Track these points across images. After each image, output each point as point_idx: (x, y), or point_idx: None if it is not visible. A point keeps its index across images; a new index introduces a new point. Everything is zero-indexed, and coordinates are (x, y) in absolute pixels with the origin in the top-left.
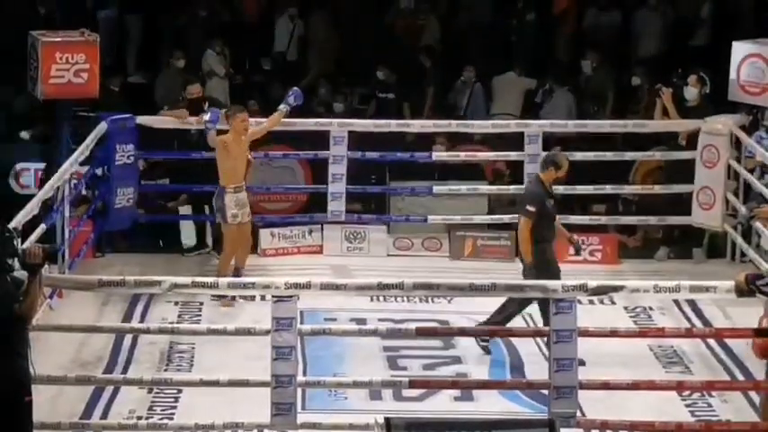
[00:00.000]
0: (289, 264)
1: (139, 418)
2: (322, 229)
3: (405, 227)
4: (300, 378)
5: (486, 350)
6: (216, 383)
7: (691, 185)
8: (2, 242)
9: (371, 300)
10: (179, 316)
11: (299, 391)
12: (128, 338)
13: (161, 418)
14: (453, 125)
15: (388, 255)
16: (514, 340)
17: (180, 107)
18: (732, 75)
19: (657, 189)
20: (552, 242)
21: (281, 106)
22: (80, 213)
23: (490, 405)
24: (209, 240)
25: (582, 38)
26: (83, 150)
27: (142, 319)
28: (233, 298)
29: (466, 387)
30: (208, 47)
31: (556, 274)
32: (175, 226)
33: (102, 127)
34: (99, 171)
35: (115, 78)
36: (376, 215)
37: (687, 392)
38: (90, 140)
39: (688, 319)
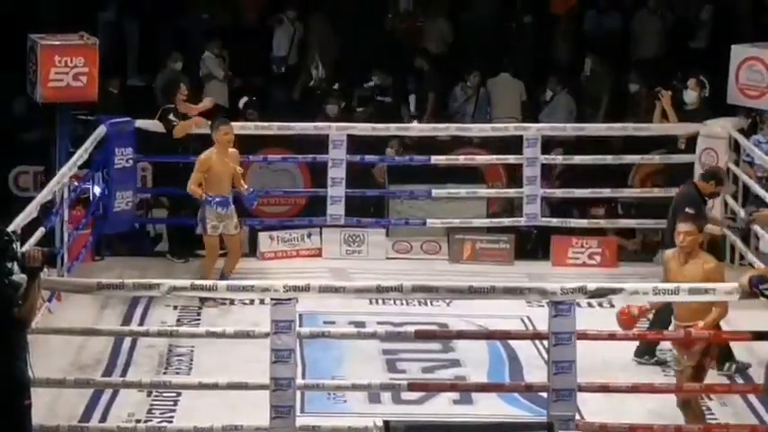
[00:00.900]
0: (288, 267)
1: (138, 421)
2: (321, 232)
3: (404, 230)
4: (299, 381)
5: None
6: (215, 386)
7: None
8: (1, 246)
9: (370, 303)
10: (178, 319)
11: (298, 394)
12: (127, 341)
13: (160, 422)
14: (452, 128)
15: (387, 258)
16: (513, 343)
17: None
18: (731, 78)
19: (657, 192)
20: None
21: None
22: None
23: (489, 408)
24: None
25: (582, 40)
26: (82, 154)
27: (141, 322)
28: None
29: (465, 390)
30: (206, 49)
31: None
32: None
33: (102, 130)
34: (98, 174)
35: (114, 81)
36: (375, 218)
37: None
38: (89, 144)
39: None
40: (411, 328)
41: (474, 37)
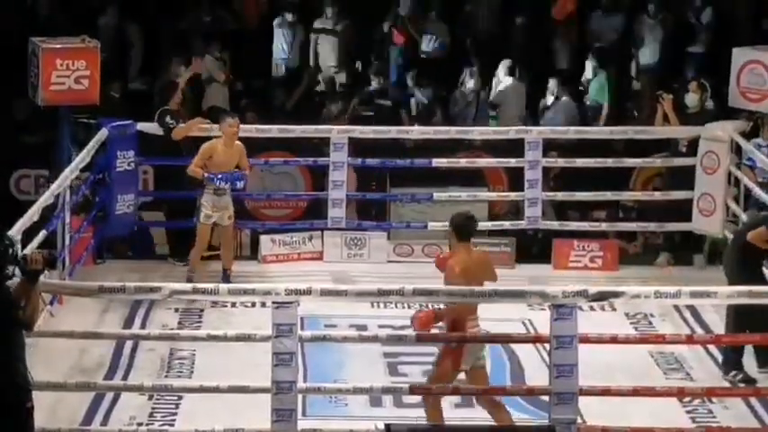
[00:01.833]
0: (289, 270)
1: (140, 424)
2: (322, 235)
3: (405, 233)
4: (301, 384)
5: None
6: (216, 390)
7: (691, 192)
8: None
9: (372, 306)
10: (179, 322)
11: (300, 397)
12: (128, 345)
13: (162, 425)
14: (453, 132)
15: (389, 261)
16: (515, 346)
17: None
18: (732, 81)
19: (658, 195)
20: None
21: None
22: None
23: None
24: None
25: (584, 42)
26: (83, 157)
27: (143, 326)
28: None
29: (466, 393)
30: (207, 52)
31: None
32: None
33: (103, 133)
34: (99, 177)
35: (116, 85)
36: (376, 221)
37: (688, 399)
38: (91, 147)
39: (688, 326)
40: (412, 332)
41: (473, 40)
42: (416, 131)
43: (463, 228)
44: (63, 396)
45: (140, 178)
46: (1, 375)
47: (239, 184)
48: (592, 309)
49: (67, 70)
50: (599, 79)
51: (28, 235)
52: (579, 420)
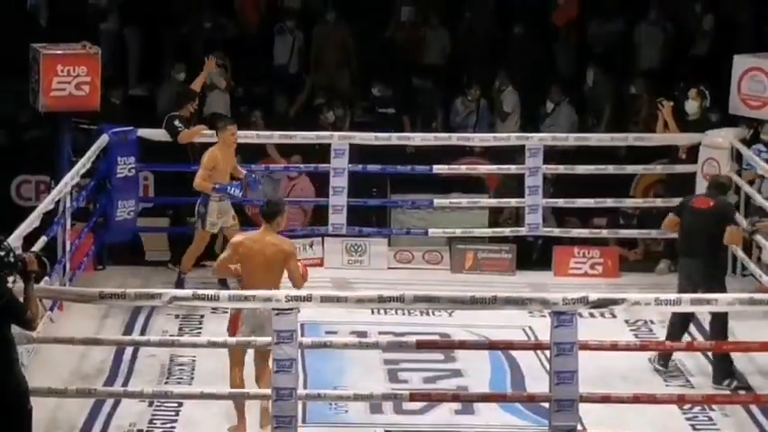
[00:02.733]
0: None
1: (140, 430)
2: (323, 241)
3: (405, 240)
4: (301, 391)
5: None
6: (216, 396)
7: None
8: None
9: (372, 312)
10: (180, 328)
11: (300, 403)
12: (128, 351)
13: (162, 431)
14: (454, 138)
15: (389, 267)
16: (515, 353)
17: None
18: (733, 88)
19: (658, 202)
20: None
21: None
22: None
23: (491, 418)
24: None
25: (585, 49)
26: (84, 163)
27: (143, 332)
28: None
29: (466, 400)
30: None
31: None
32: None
33: (104, 139)
34: (100, 183)
35: (116, 91)
36: (377, 228)
37: (688, 406)
38: (91, 153)
39: (689, 333)
40: (413, 338)
41: (472, 48)
42: (417, 138)
43: (266, 211)
44: (63, 402)
45: (141, 184)
46: (2, 377)
47: (257, 187)
48: (592, 316)
49: (68, 76)
50: (600, 86)
51: (28, 241)
52: (579, 427)
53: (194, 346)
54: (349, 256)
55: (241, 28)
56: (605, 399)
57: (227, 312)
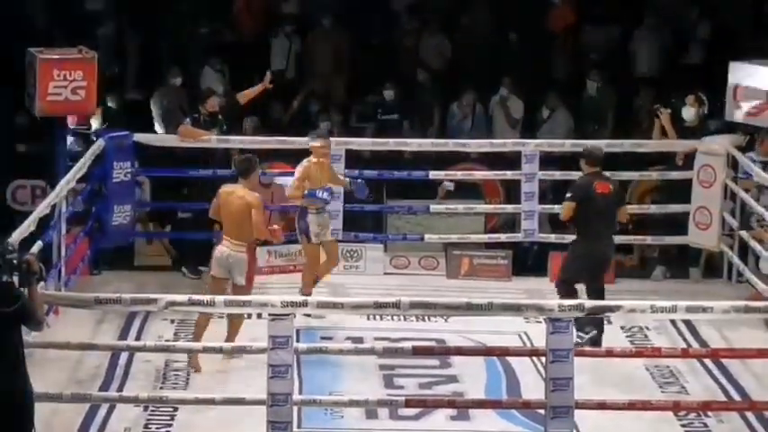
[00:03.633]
0: (285, 282)
1: None
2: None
3: (401, 245)
4: (296, 396)
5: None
6: (212, 402)
7: (687, 205)
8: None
9: (368, 318)
10: (175, 333)
11: (295, 409)
12: (124, 356)
13: None
14: (450, 144)
15: (385, 273)
16: (511, 359)
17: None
18: (729, 95)
19: (654, 209)
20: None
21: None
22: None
23: (486, 425)
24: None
25: (581, 55)
26: (80, 167)
27: (138, 337)
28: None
29: (462, 406)
30: (207, 64)
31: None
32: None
33: (100, 144)
34: (96, 188)
35: (113, 95)
36: (373, 234)
37: (683, 413)
38: (87, 157)
39: (684, 339)
40: (408, 344)
41: (471, 54)
42: (414, 144)
43: (239, 167)
44: (58, 407)
45: (137, 189)
46: (11, 376)
47: (364, 192)
48: None
49: (64, 81)
50: (601, 94)
51: (24, 246)
52: None
53: (190, 351)
54: (345, 261)
55: (238, 34)
56: (601, 405)
57: (222, 318)
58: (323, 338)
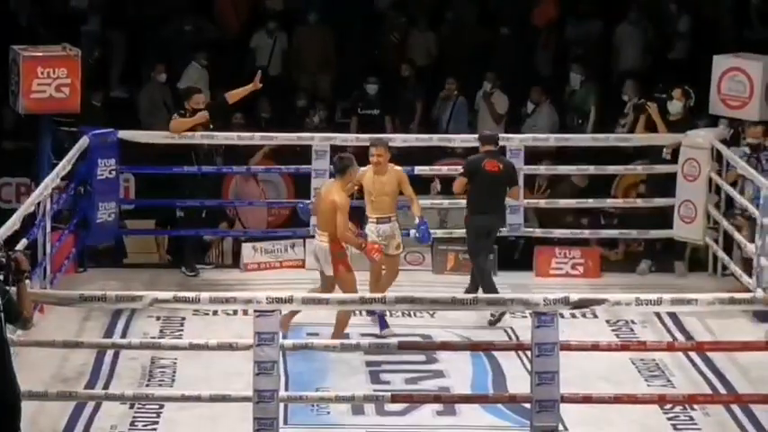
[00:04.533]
0: (271, 278)
1: None
2: (304, 243)
3: None
4: (283, 393)
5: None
6: (198, 399)
7: (672, 199)
8: None
9: (354, 314)
10: (161, 331)
11: (282, 405)
12: (109, 354)
13: None
14: (435, 139)
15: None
16: (497, 354)
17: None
18: (713, 88)
19: (639, 202)
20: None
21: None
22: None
23: (472, 419)
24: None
25: (565, 50)
26: (64, 165)
27: (124, 335)
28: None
29: (448, 401)
30: (193, 60)
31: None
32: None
33: (84, 141)
34: (80, 186)
35: (97, 93)
36: (359, 229)
37: (669, 406)
38: (72, 155)
39: (670, 333)
40: (394, 340)
41: (455, 49)
42: (398, 139)
43: (336, 166)
44: (44, 405)
45: (122, 186)
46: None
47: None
48: (573, 316)
49: (48, 78)
50: (584, 88)
51: (8, 244)
52: (561, 428)
53: (175, 348)
54: None
55: (222, 30)
56: (587, 399)
57: (208, 314)
58: (309, 335)
